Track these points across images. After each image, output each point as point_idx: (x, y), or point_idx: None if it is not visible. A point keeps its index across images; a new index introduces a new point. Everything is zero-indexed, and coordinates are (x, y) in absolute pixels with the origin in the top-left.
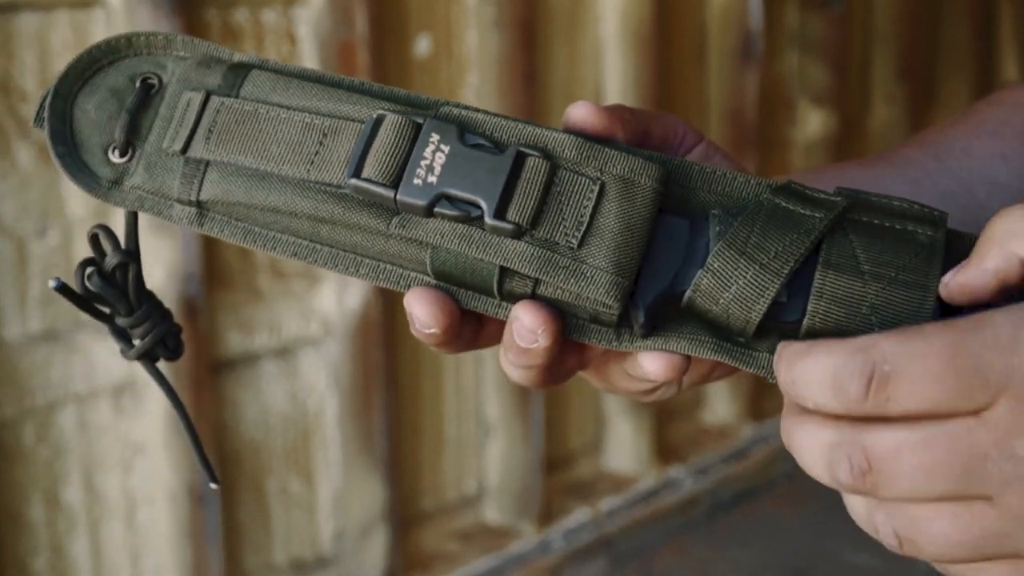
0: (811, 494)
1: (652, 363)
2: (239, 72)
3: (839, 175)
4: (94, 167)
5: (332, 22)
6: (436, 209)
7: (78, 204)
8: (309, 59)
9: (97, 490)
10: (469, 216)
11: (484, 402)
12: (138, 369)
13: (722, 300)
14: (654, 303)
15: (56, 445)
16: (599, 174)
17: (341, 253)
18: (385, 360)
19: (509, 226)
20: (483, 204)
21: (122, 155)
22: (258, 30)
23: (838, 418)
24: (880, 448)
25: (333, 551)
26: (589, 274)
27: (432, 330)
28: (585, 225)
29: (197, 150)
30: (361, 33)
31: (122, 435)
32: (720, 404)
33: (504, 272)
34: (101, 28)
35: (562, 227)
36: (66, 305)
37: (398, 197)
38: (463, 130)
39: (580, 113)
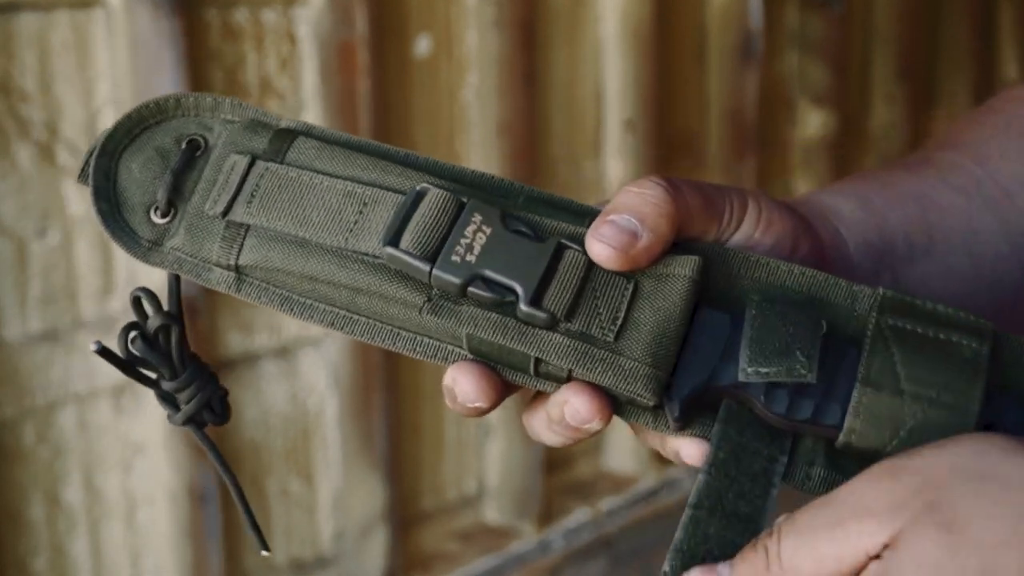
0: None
1: (690, 449)
2: (285, 138)
3: (896, 183)
4: (135, 226)
5: (332, 22)
6: (470, 289)
7: (78, 204)
8: (309, 59)
9: (97, 490)
10: (503, 301)
11: None
12: None
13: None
14: (690, 396)
15: (56, 445)
16: (633, 272)
17: (378, 324)
18: (385, 360)
19: (543, 315)
20: (519, 290)
21: (163, 216)
22: (258, 30)
23: None
24: None
25: (333, 551)
26: (626, 367)
27: (478, 404)
28: (621, 321)
29: (238, 214)
30: (361, 33)
31: (122, 435)
32: None
33: (540, 358)
34: (101, 28)
35: (597, 321)
36: (66, 305)
37: (434, 272)
38: (506, 214)
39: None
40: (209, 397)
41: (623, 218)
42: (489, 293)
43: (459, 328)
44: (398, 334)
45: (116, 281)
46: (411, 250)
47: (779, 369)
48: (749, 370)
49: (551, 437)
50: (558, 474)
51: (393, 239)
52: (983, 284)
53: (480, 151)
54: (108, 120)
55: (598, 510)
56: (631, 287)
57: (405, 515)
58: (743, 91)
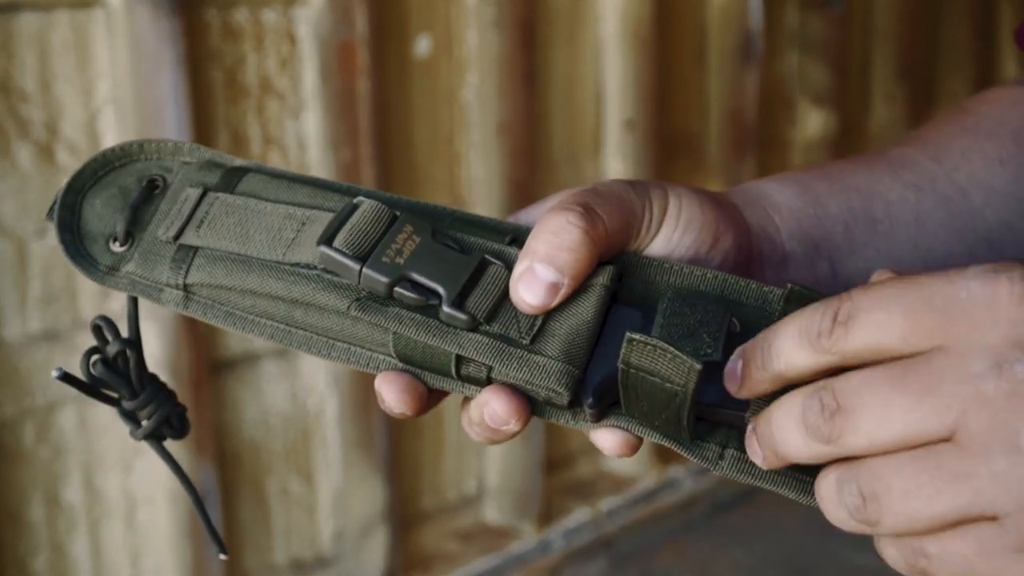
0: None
1: (606, 440)
2: (236, 174)
3: (842, 175)
4: (95, 254)
5: (332, 22)
6: (396, 289)
7: None
8: (309, 59)
9: (97, 490)
10: (427, 303)
11: None
12: None
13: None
14: (601, 385)
15: (56, 445)
16: None
17: (314, 337)
18: None
19: (465, 317)
20: (443, 292)
21: (121, 244)
22: (258, 30)
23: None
24: (847, 386)
25: (333, 551)
26: (540, 364)
27: (401, 411)
28: (537, 328)
29: (188, 238)
30: (361, 33)
31: (122, 435)
32: None
33: (461, 358)
34: (101, 28)
35: (515, 327)
36: (66, 305)
37: (363, 270)
38: (435, 230)
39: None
40: (168, 414)
41: (543, 269)
42: (414, 294)
43: (385, 325)
44: (333, 345)
45: None
46: (344, 249)
47: (686, 350)
48: None
49: (474, 435)
50: (558, 474)
51: (327, 240)
52: None
53: (480, 151)
54: (108, 120)
55: (598, 510)
56: None
57: (405, 515)
58: (743, 91)
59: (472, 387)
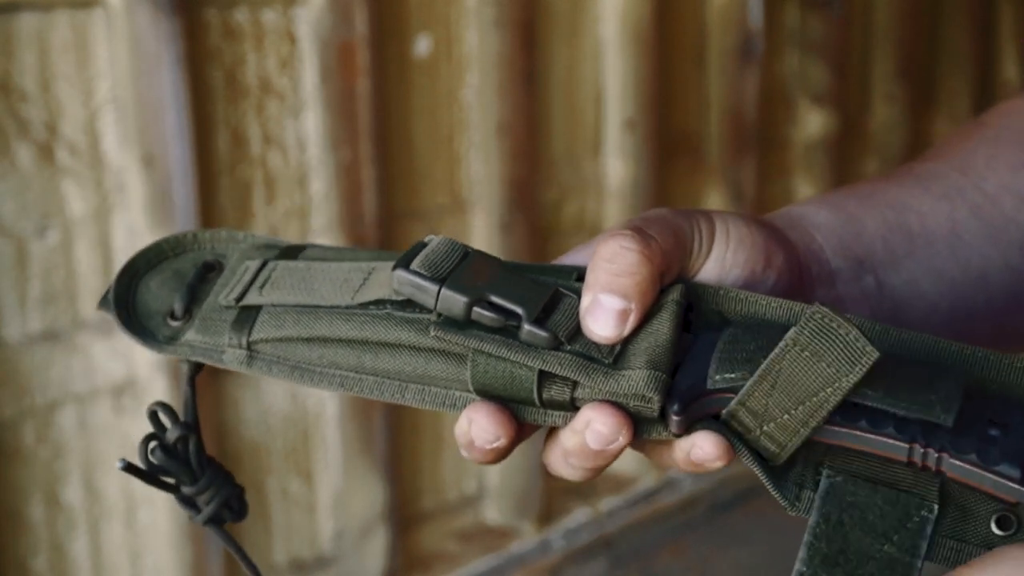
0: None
1: (706, 445)
2: (295, 249)
3: (872, 192)
4: (153, 328)
5: (332, 22)
6: (475, 310)
7: (78, 204)
8: (309, 59)
9: (97, 490)
10: (506, 323)
11: None
12: (138, 369)
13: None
14: (689, 393)
15: (56, 445)
16: None
17: (386, 381)
18: None
19: (546, 334)
20: (522, 312)
21: (179, 320)
22: (258, 30)
23: None
24: None
25: (333, 551)
26: (627, 375)
27: (499, 442)
28: (617, 352)
29: (251, 298)
30: (361, 33)
31: (122, 435)
32: None
33: (543, 379)
34: (101, 28)
35: (596, 348)
36: (66, 305)
37: (443, 291)
38: (505, 264)
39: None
40: (227, 497)
41: (608, 298)
42: (493, 315)
43: (466, 344)
44: (406, 387)
45: None
46: (422, 271)
47: (742, 373)
48: (716, 377)
49: (569, 471)
50: None
51: (404, 264)
52: (972, 287)
53: (480, 151)
54: (108, 120)
55: (598, 510)
56: None
57: (405, 515)
58: (743, 91)
59: (555, 413)
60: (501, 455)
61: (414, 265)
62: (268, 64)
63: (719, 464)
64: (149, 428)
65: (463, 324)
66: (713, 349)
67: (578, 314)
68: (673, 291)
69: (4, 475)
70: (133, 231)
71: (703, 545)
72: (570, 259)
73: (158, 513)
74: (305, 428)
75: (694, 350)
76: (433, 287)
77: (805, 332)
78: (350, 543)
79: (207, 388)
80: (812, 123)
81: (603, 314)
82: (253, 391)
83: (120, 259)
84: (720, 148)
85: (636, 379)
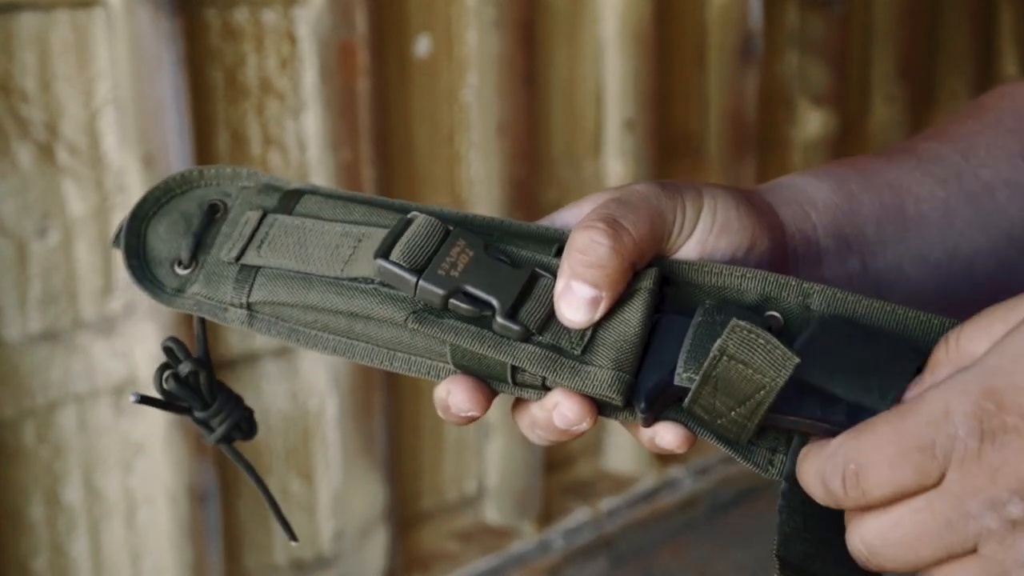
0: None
1: (668, 436)
2: (293, 196)
3: (875, 170)
4: (162, 277)
5: (332, 22)
6: (452, 301)
7: (78, 204)
8: (309, 59)
9: (97, 490)
10: (481, 314)
11: None
12: (138, 369)
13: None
14: (653, 390)
15: (56, 445)
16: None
17: (376, 348)
18: None
19: (518, 328)
20: (496, 304)
21: (185, 268)
22: (258, 30)
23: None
24: (869, 536)
25: (333, 551)
26: (592, 373)
27: (472, 413)
28: (588, 338)
29: (250, 258)
30: (361, 33)
31: (122, 435)
32: None
33: (516, 367)
34: (101, 28)
35: (567, 337)
36: (66, 305)
37: (420, 283)
38: (488, 244)
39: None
40: (238, 419)
41: (580, 286)
42: (469, 306)
43: (442, 338)
44: (394, 355)
45: (116, 281)
46: (400, 262)
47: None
48: (684, 376)
49: (534, 438)
50: (558, 474)
51: (384, 254)
52: (958, 274)
53: (480, 151)
54: (108, 120)
55: (598, 510)
56: None
57: (405, 515)
58: (743, 91)
59: (529, 391)
60: (471, 421)
61: (394, 255)
62: (268, 64)
63: (682, 450)
64: (149, 428)
65: (440, 312)
66: (682, 337)
67: (552, 297)
68: (647, 277)
69: (4, 475)
70: None
71: (703, 545)
72: (560, 218)
73: (158, 513)
74: (305, 428)
75: (664, 335)
76: (411, 279)
77: (730, 343)
78: (350, 543)
79: None
80: (812, 123)
81: (575, 300)
82: (253, 391)
83: (120, 260)
84: (720, 148)
85: (600, 379)
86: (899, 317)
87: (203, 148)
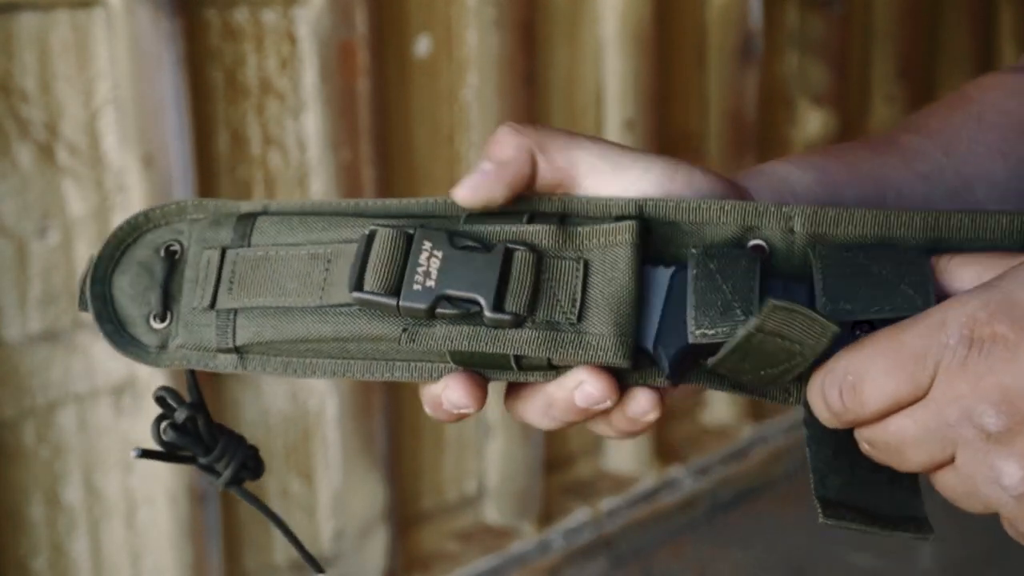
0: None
1: (644, 399)
2: (247, 222)
3: (858, 162)
4: (139, 337)
5: (332, 22)
6: (438, 311)
7: (78, 204)
8: (309, 59)
9: (97, 490)
10: (469, 313)
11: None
12: (138, 369)
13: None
14: (677, 357)
15: (56, 445)
16: (579, 252)
17: (374, 362)
18: None
19: (508, 317)
20: (481, 300)
21: (161, 321)
22: (258, 30)
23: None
24: (865, 433)
25: (333, 551)
26: (594, 343)
27: (467, 410)
28: (579, 302)
29: (224, 302)
30: (361, 33)
31: (122, 435)
32: (720, 404)
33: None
34: (101, 28)
35: (559, 308)
36: (65, 305)
37: (401, 304)
38: (452, 234)
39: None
40: (243, 459)
41: (479, 165)
42: (455, 310)
43: (439, 348)
44: (394, 365)
45: None
46: (376, 290)
47: (722, 330)
48: (697, 332)
49: (545, 422)
50: (558, 474)
51: (357, 284)
52: None
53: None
54: (108, 120)
55: (598, 510)
56: (581, 266)
57: (405, 515)
58: (743, 91)
59: (536, 374)
60: (462, 419)
61: (367, 284)
62: (268, 64)
63: (653, 416)
64: (149, 428)
65: (430, 323)
66: (679, 291)
67: (532, 273)
68: (626, 230)
69: (4, 475)
70: None
71: (703, 545)
72: None
73: (158, 513)
74: (305, 428)
75: (657, 290)
76: (391, 302)
77: (768, 323)
78: (350, 543)
79: (206, 388)
80: (812, 123)
81: (467, 178)
82: (253, 391)
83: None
84: (720, 148)
85: (606, 347)
86: (881, 221)
87: (203, 148)
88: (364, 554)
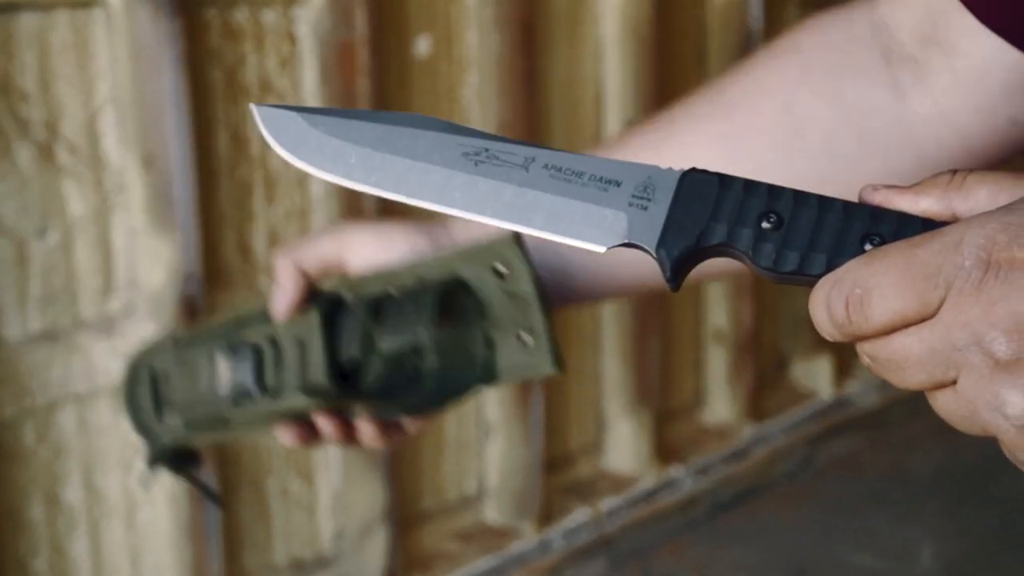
0: (811, 494)
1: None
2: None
3: (665, 142)
4: (156, 431)
5: (332, 22)
6: (241, 399)
7: (78, 204)
8: (309, 59)
9: (97, 490)
10: (251, 395)
11: (484, 402)
12: None
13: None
14: (680, 258)
15: (56, 445)
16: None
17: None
18: None
19: (267, 394)
20: (255, 389)
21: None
22: (258, 30)
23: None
24: (865, 347)
25: (333, 551)
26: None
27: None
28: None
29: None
30: (361, 33)
31: (122, 435)
32: (720, 404)
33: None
34: (101, 28)
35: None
36: (66, 305)
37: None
38: (231, 346)
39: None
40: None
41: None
42: (260, 391)
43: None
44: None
45: (116, 281)
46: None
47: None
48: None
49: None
50: (558, 474)
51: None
52: None
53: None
54: (108, 120)
55: (598, 510)
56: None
57: (405, 515)
58: None
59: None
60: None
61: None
62: (268, 64)
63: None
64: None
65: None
66: (711, 194)
67: (280, 360)
68: (313, 310)
69: (4, 475)
70: (133, 231)
71: (703, 545)
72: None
73: (158, 513)
74: None
75: (691, 196)
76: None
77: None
78: (350, 543)
79: None
80: None
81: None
82: None
83: (120, 260)
84: None
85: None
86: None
87: (203, 148)
88: (364, 554)
